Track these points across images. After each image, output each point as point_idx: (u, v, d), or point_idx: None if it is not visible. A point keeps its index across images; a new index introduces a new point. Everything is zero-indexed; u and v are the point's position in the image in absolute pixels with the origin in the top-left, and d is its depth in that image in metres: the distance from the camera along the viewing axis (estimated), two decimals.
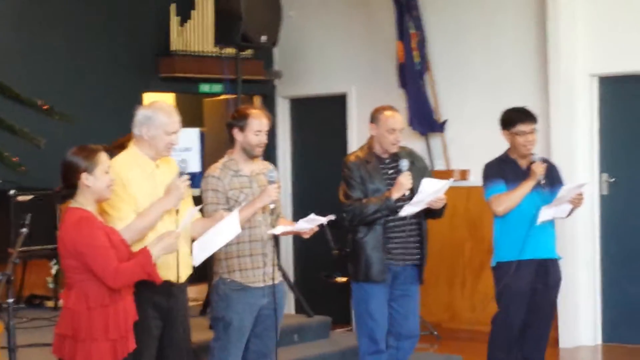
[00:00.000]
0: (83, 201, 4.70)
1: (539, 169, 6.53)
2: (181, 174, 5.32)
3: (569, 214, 6.70)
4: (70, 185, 4.69)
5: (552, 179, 6.65)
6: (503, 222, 6.60)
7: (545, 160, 6.69)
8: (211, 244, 5.40)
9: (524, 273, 6.51)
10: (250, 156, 5.89)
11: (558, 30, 8.85)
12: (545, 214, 6.48)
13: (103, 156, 4.75)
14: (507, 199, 6.52)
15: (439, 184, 6.29)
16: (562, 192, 6.49)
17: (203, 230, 5.43)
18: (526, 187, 6.52)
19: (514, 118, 6.63)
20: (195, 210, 5.27)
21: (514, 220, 6.54)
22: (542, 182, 6.53)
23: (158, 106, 5.41)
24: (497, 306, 6.68)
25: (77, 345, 4.62)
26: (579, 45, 8.85)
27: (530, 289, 6.55)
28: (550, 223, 6.65)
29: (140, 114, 5.33)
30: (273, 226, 5.91)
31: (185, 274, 5.40)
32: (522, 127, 6.59)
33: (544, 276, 6.61)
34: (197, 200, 5.74)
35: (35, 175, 8.35)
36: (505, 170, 6.62)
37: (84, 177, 4.66)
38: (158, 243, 4.80)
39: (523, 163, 6.65)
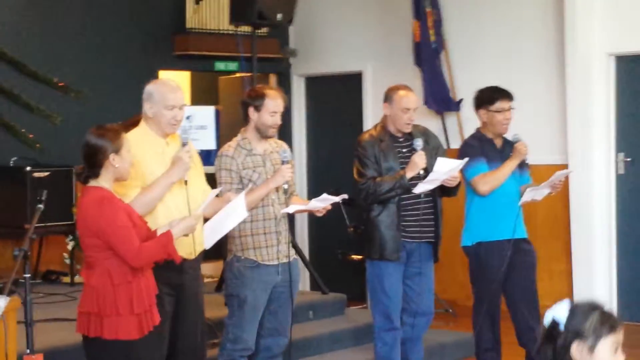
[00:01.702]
0: (104, 181, 4.72)
1: (524, 149, 6.52)
2: (184, 144, 5.28)
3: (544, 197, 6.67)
4: (96, 166, 4.70)
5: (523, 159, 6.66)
6: (484, 201, 6.54)
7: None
8: (220, 226, 5.41)
9: (505, 253, 6.48)
10: (264, 136, 5.89)
11: (575, 8, 8.80)
12: (527, 195, 6.47)
13: (124, 136, 4.77)
14: (492, 178, 6.49)
15: (454, 163, 6.29)
16: (553, 177, 6.48)
17: (214, 210, 5.43)
18: (511, 166, 6.50)
19: (494, 96, 6.60)
20: (215, 192, 5.28)
21: (498, 200, 6.51)
22: (527, 161, 6.51)
23: (161, 82, 5.40)
24: (478, 288, 6.61)
25: (104, 321, 4.65)
26: (596, 24, 8.80)
27: (507, 268, 6.53)
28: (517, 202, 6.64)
29: (145, 90, 5.31)
30: (286, 205, 5.92)
31: (197, 250, 5.39)
32: (502, 105, 6.57)
33: (520, 254, 6.57)
34: (213, 178, 5.76)
35: (51, 152, 8.40)
36: (484, 149, 6.59)
37: (112, 158, 4.68)
38: (179, 223, 4.82)
39: (498, 142, 6.64)
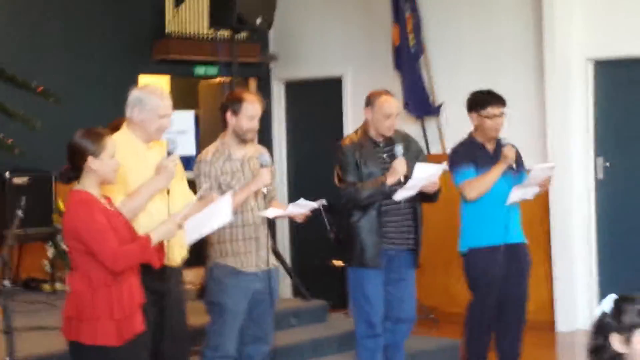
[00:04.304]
0: (87, 184, 4.71)
1: (511, 153, 6.53)
2: (169, 153, 5.29)
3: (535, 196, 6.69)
4: (76, 167, 4.70)
5: (518, 163, 6.66)
6: (474, 206, 6.57)
7: (511, 145, 6.66)
8: (203, 226, 5.39)
9: (499, 258, 6.51)
10: (242, 140, 5.88)
11: (553, 13, 8.83)
12: (514, 195, 6.49)
13: (110, 140, 4.75)
14: (479, 184, 6.51)
15: (432, 168, 6.30)
16: (534, 172, 6.50)
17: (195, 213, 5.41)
18: (497, 171, 6.52)
19: (485, 100, 6.63)
20: (195, 199, 5.27)
21: (487, 205, 6.53)
22: (513, 166, 6.53)
23: (150, 89, 5.40)
24: (472, 291, 6.66)
25: (82, 325, 4.64)
26: (575, 28, 8.83)
27: (503, 275, 6.55)
28: (516, 207, 6.65)
29: (132, 96, 5.31)
30: (266, 209, 5.91)
31: (179, 256, 5.39)
32: (493, 110, 6.59)
33: (515, 260, 6.61)
34: (192, 184, 5.74)
35: (30, 157, 8.34)
36: (474, 154, 6.61)
37: (90, 160, 4.67)
38: (158, 228, 4.81)
39: (490, 147, 6.65)
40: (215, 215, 5.39)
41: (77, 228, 4.62)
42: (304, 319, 7.85)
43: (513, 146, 6.63)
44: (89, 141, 4.68)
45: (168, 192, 5.23)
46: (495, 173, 6.51)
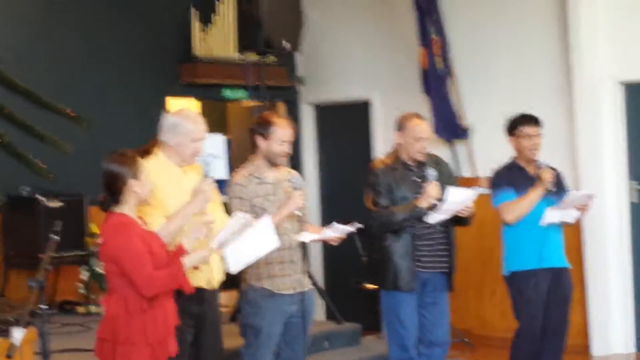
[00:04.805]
0: (126, 207, 4.75)
1: (547, 175, 6.52)
2: (206, 176, 5.32)
3: (576, 220, 6.67)
4: (115, 193, 4.72)
5: (559, 185, 6.65)
6: (515, 230, 6.57)
7: (550, 168, 6.66)
8: (248, 251, 5.38)
9: (541, 282, 6.50)
10: (274, 164, 5.88)
11: (579, 36, 8.81)
12: (550, 215, 6.47)
13: (142, 161, 4.79)
14: (517, 207, 6.51)
15: (466, 193, 6.30)
16: (569, 197, 6.49)
17: None
18: (536, 194, 6.51)
19: (520, 122, 6.65)
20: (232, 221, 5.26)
21: (527, 228, 6.52)
22: (552, 188, 6.51)
23: (185, 114, 5.43)
24: (517, 318, 6.63)
25: (117, 348, 4.66)
26: (602, 51, 8.80)
27: (546, 299, 6.53)
28: (558, 231, 6.63)
29: (167, 121, 5.36)
30: (300, 233, 5.90)
31: (217, 280, 5.42)
32: (528, 130, 6.61)
33: (558, 286, 6.59)
34: (225, 207, 5.75)
35: (61, 180, 8.38)
36: (514, 177, 6.61)
37: (132, 183, 4.70)
38: (192, 255, 4.83)
39: (531, 169, 6.65)
40: (259, 240, 5.38)
41: (115, 251, 4.65)
42: (337, 342, 7.86)
43: (553, 169, 6.62)
44: (125, 166, 4.72)
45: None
46: (533, 196, 6.50)
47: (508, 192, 6.55)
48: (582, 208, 6.61)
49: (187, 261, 4.78)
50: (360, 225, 5.94)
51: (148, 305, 4.68)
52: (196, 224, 4.97)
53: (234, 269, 5.42)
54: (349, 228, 5.88)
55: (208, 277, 5.28)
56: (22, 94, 8.28)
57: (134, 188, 4.71)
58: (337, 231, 5.88)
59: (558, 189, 6.62)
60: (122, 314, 4.66)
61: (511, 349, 6.68)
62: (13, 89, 8.28)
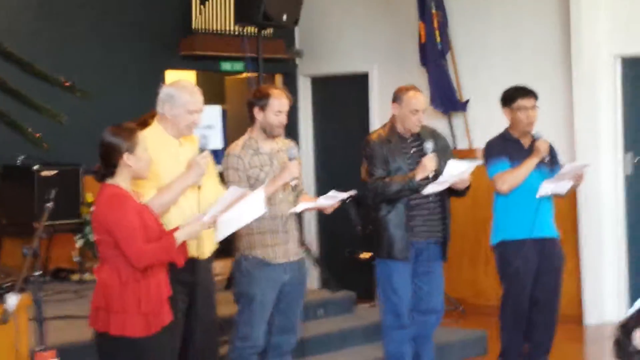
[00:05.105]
0: (120, 179, 4.74)
1: (544, 146, 6.52)
2: (201, 150, 5.33)
3: (568, 192, 6.69)
4: (110, 164, 4.72)
5: (552, 157, 6.65)
6: (507, 200, 6.58)
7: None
8: (235, 221, 5.40)
9: (530, 252, 6.51)
10: (270, 135, 5.90)
11: (580, 10, 8.81)
12: (545, 188, 6.48)
13: (140, 135, 4.79)
14: (512, 177, 6.51)
15: (464, 165, 6.31)
16: (565, 169, 6.50)
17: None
18: (530, 164, 6.51)
19: (515, 94, 6.65)
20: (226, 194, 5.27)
21: (520, 198, 6.53)
22: (546, 159, 6.52)
23: (181, 85, 5.42)
24: (503, 287, 6.66)
25: (110, 317, 4.68)
26: (602, 25, 8.81)
27: (536, 269, 6.55)
28: (549, 201, 6.64)
29: (164, 92, 5.35)
30: (295, 203, 5.92)
31: (209, 249, 5.43)
32: (523, 102, 6.61)
33: (548, 257, 6.61)
34: (220, 177, 5.76)
35: (58, 150, 8.38)
36: (508, 147, 6.61)
37: (126, 157, 4.70)
38: (184, 228, 4.84)
39: (525, 141, 6.65)
40: (248, 210, 5.40)
41: (108, 222, 4.65)
42: (331, 310, 7.90)
43: (547, 140, 6.63)
44: (122, 138, 4.71)
45: (199, 187, 5.26)
46: (527, 166, 6.51)
47: (503, 162, 6.56)
48: (577, 178, 6.61)
49: (179, 235, 4.79)
50: (354, 192, 5.94)
51: (141, 275, 4.69)
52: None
53: (220, 237, 5.43)
54: (344, 195, 5.89)
55: (199, 246, 5.28)
56: (16, 63, 8.27)
57: (128, 162, 4.70)
58: (331, 199, 5.90)
59: (552, 161, 6.63)
60: (116, 284, 4.68)
61: (499, 316, 6.70)
62: (7, 58, 8.26)
